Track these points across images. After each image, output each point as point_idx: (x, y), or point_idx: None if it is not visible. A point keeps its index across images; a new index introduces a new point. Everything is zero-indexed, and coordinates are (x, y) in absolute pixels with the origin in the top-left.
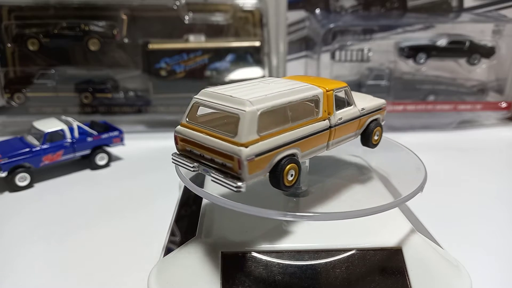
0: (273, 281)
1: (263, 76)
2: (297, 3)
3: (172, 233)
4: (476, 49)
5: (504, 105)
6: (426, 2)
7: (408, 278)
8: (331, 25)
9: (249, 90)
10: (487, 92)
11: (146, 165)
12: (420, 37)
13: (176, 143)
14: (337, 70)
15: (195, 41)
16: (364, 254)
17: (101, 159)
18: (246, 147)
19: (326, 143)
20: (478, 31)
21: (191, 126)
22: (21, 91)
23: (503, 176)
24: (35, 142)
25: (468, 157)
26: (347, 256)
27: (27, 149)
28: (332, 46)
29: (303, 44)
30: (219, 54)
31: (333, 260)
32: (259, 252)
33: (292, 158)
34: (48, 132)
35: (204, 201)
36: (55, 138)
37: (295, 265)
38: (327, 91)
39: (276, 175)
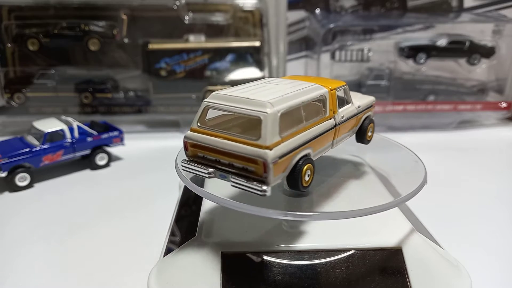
0: (273, 281)
1: (263, 77)
2: (297, 3)
3: (172, 233)
4: (476, 49)
5: (504, 105)
6: (426, 2)
7: (408, 278)
8: (331, 25)
9: (263, 91)
10: (487, 92)
11: (146, 165)
12: (420, 37)
13: (186, 149)
14: (337, 70)
15: (195, 41)
16: (364, 254)
17: (101, 159)
18: (271, 149)
19: (331, 141)
20: (478, 31)
21: (204, 131)
22: (21, 91)
23: (503, 176)
24: (35, 142)
25: (468, 157)
26: (347, 256)
27: (27, 149)
28: (332, 46)
29: (303, 44)
30: (219, 54)
31: (333, 260)
32: (259, 252)
33: (308, 158)
34: (48, 132)
35: (204, 201)
36: (55, 138)
37: (295, 265)
38: (331, 90)
39: (294, 176)
